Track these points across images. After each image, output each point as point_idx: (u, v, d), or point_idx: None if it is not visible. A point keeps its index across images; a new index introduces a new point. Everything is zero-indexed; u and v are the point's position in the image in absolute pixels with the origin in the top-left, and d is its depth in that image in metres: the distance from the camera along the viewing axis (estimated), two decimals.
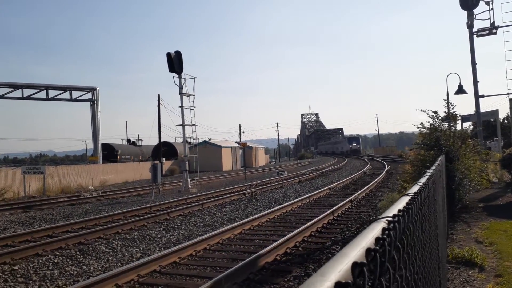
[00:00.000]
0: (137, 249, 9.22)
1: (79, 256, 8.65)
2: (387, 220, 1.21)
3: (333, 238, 9.57)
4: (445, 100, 13.90)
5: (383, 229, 1.01)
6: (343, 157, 72.08)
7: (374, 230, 1.05)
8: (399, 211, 1.33)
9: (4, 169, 28.55)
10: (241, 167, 47.61)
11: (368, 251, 0.82)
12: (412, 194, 1.86)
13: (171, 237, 10.42)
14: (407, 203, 1.52)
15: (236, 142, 58.80)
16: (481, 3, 23.21)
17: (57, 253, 8.90)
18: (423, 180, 2.66)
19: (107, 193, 22.57)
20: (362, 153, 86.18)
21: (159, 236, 10.57)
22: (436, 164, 5.24)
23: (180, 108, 24.16)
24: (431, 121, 12.45)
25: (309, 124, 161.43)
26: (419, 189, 2.03)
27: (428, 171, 3.58)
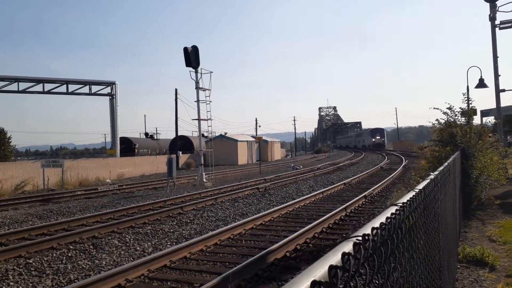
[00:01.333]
0: (149, 243, 9.33)
1: (92, 250, 8.81)
2: (357, 240, 1.19)
3: (344, 235, 9.51)
4: (464, 95, 13.60)
5: (343, 254, 0.99)
6: (360, 152, 68.87)
7: (335, 255, 1.03)
8: (373, 228, 1.30)
9: (25, 162, 29.19)
10: (257, 161, 47.62)
11: (314, 284, 0.80)
12: (400, 205, 1.81)
13: (183, 231, 10.51)
14: (387, 218, 1.48)
15: (252, 136, 58.80)
16: None
17: (71, 247, 9.09)
18: (420, 186, 2.59)
19: (124, 187, 22.88)
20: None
21: (171, 230, 10.67)
22: (445, 164, 5.13)
23: (196, 103, 24.30)
24: (445, 117, 12.22)
25: (327, 117, 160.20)
26: (409, 198, 1.98)
27: (432, 173, 3.50)
